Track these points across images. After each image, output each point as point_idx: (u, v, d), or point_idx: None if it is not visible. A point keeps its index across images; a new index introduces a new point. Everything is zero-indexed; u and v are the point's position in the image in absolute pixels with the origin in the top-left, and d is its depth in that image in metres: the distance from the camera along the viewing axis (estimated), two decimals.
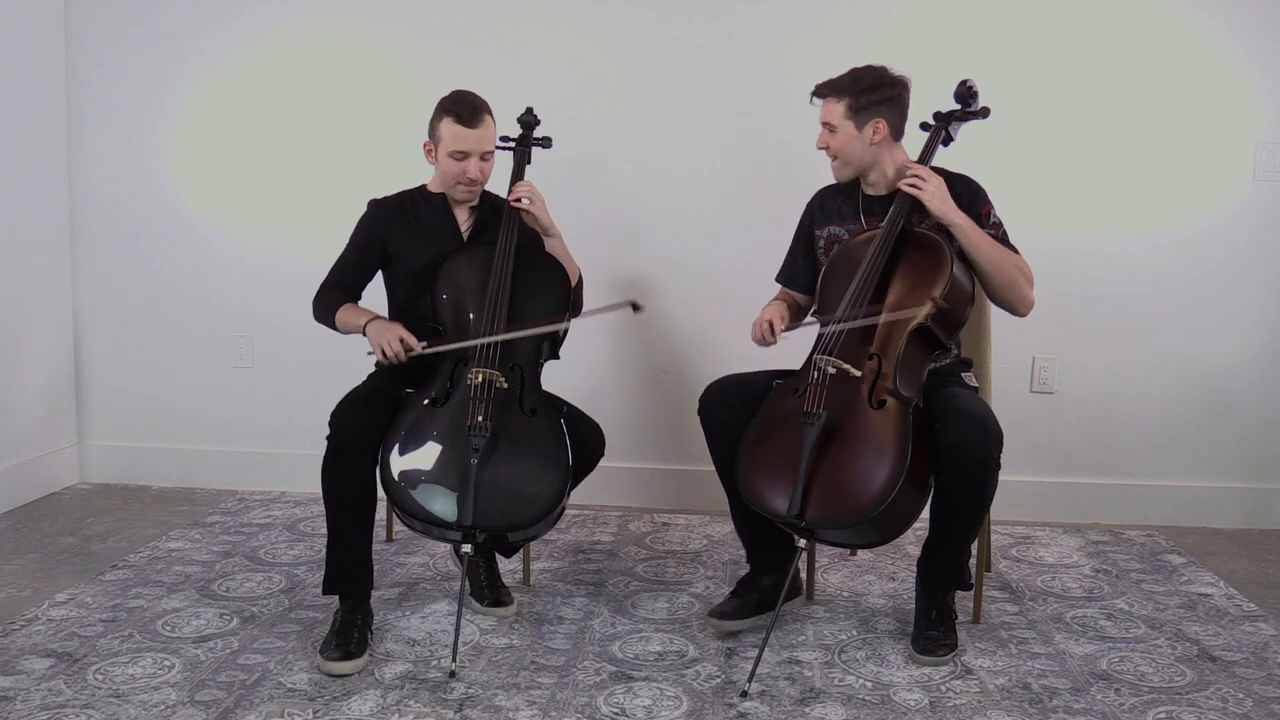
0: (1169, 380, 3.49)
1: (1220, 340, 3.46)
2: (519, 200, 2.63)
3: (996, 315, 2.80)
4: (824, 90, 2.50)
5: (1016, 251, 2.46)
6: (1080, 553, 3.19)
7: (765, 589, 2.55)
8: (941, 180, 2.42)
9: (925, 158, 2.51)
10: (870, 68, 2.49)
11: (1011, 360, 3.39)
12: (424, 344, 2.50)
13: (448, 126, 2.58)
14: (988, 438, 2.28)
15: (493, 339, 2.48)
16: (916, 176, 2.41)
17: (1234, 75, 3.37)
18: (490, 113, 2.62)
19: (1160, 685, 2.31)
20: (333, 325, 2.66)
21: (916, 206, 2.42)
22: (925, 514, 2.38)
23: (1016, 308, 2.47)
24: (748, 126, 3.49)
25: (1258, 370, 3.47)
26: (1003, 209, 2.51)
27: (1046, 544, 3.27)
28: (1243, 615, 2.71)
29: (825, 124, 2.50)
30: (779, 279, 2.74)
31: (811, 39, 3.43)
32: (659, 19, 3.50)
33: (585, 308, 2.71)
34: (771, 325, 2.49)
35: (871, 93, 2.45)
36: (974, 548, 2.57)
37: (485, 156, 2.62)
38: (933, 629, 2.42)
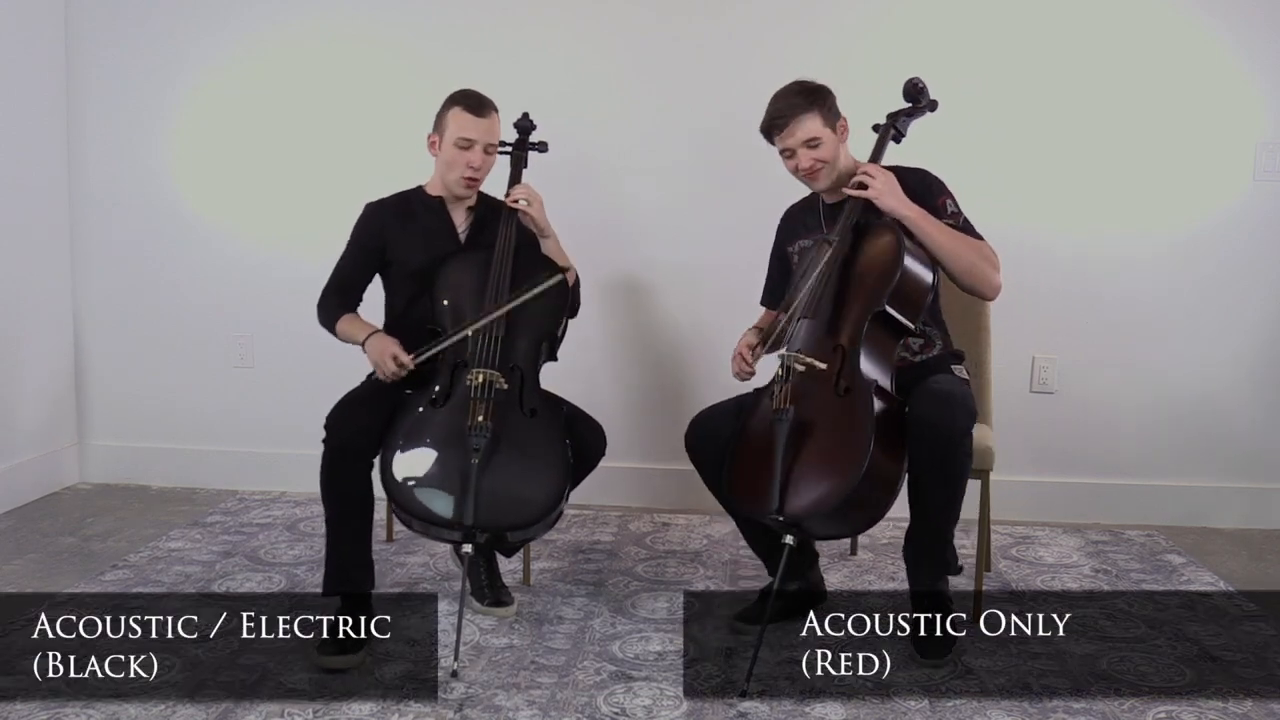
0: (1169, 380, 3.49)
1: (1220, 340, 3.46)
2: (517, 201, 2.64)
3: (996, 315, 2.81)
4: (793, 110, 2.49)
5: (980, 237, 2.48)
6: (1080, 553, 3.19)
7: (789, 595, 2.57)
8: (890, 175, 2.44)
9: (876, 156, 2.55)
10: (796, 84, 2.53)
11: (1011, 360, 3.39)
12: (413, 356, 2.51)
13: (455, 115, 2.62)
14: (953, 409, 2.28)
15: (480, 324, 2.49)
16: (865, 174, 2.43)
17: (1234, 75, 3.37)
18: (497, 111, 2.66)
19: (1160, 685, 2.31)
20: (335, 335, 2.70)
21: (868, 206, 2.45)
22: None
23: (982, 292, 2.48)
24: (748, 127, 3.48)
25: (1257, 370, 3.47)
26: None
27: (1046, 544, 3.27)
28: (1243, 615, 2.71)
29: (809, 141, 2.49)
30: (762, 302, 2.78)
31: (811, 39, 3.43)
32: (659, 19, 3.50)
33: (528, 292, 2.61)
34: (743, 356, 2.53)
35: (827, 98, 2.52)
36: (971, 554, 2.57)
37: (488, 150, 2.64)
38: (931, 628, 2.42)
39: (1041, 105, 3.39)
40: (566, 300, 2.66)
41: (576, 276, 2.75)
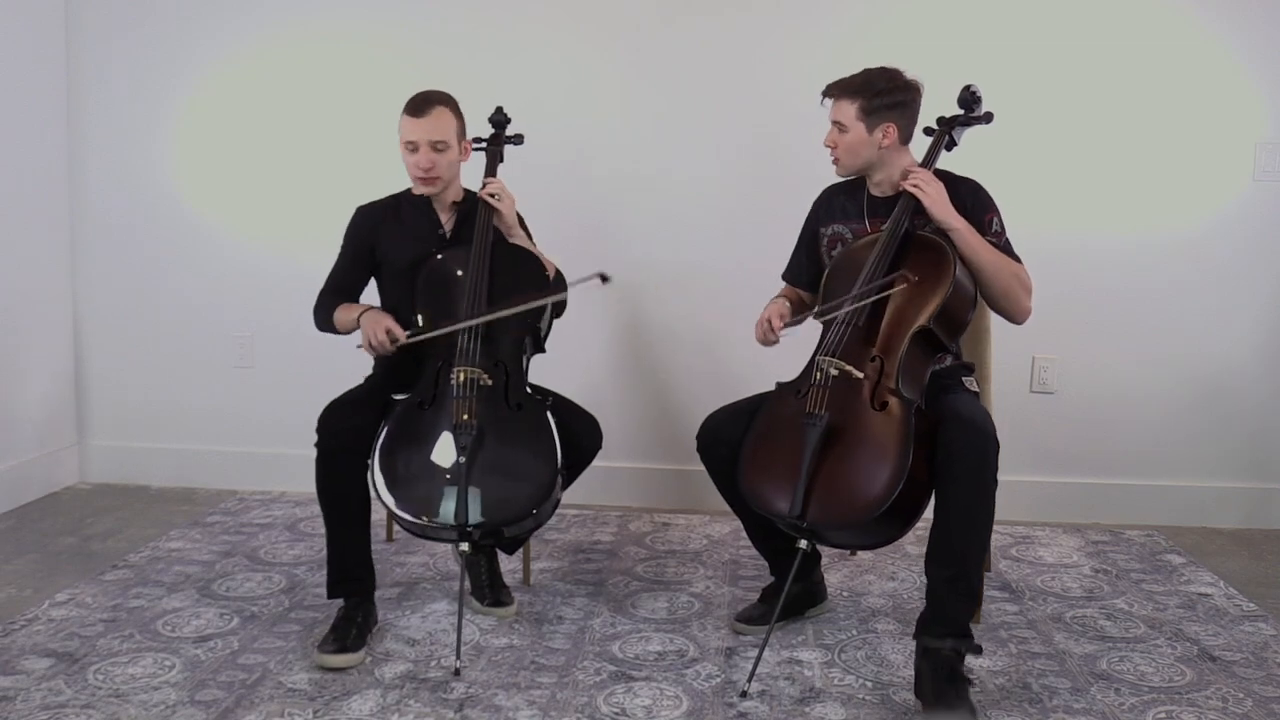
0: (1169, 380, 3.49)
1: (1220, 340, 3.46)
2: (492, 195, 2.63)
3: (996, 315, 2.80)
4: (837, 90, 2.47)
5: (1018, 260, 2.46)
6: (1080, 553, 3.19)
7: (791, 596, 2.54)
8: (942, 185, 2.40)
9: (928, 162, 2.50)
10: (885, 70, 2.47)
11: (1011, 360, 3.38)
12: (408, 333, 2.52)
13: (402, 122, 2.59)
14: (986, 442, 2.22)
15: (475, 321, 2.49)
16: (919, 179, 2.40)
17: (1234, 75, 3.37)
18: (448, 104, 2.60)
19: (1160, 685, 2.31)
20: (334, 329, 2.67)
21: (918, 210, 2.41)
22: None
23: (1013, 315, 2.45)
24: (749, 126, 3.49)
25: (1257, 370, 3.47)
26: (1004, 208, 2.51)
27: (1046, 544, 3.27)
28: (1243, 615, 2.71)
29: (836, 123, 2.47)
30: (784, 276, 2.74)
31: (813, 39, 3.43)
32: (660, 20, 3.49)
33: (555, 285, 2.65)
34: (770, 323, 2.48)
35: (884, 96, 2.44)
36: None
37: (438, 147, 2.57)
38: (945, 682, 2.17)
39: (1041, 105, 3.40)
40: (547, 287, 2.64)
41: (558, 271, 2.74)
